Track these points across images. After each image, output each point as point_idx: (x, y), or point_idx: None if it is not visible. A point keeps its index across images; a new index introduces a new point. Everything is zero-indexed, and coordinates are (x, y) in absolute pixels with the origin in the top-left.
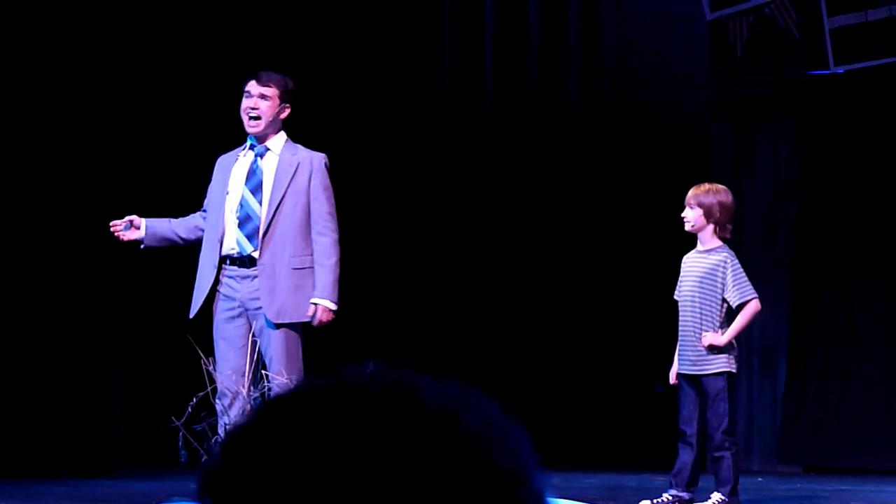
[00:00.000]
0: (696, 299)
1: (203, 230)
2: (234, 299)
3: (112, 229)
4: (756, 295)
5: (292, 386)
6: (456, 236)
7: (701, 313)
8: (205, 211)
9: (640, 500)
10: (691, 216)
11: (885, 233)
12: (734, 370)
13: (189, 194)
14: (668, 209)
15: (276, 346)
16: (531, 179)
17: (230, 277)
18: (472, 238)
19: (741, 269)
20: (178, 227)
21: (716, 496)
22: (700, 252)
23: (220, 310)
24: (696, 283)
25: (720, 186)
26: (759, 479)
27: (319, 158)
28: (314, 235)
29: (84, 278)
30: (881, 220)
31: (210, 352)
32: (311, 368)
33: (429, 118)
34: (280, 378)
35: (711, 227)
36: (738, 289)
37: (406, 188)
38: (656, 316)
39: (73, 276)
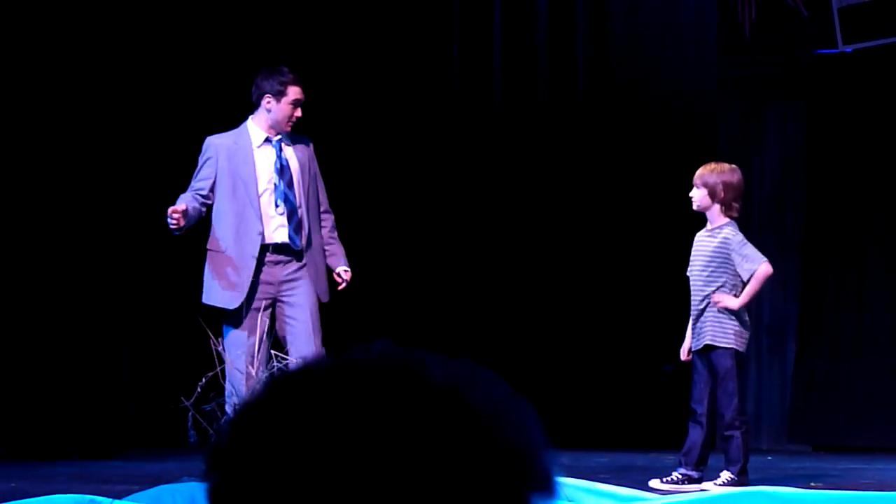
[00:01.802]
0: (704, 277)
1: (201, 212)
2: (271, 284)
3: (174, 221)
4: (764, 259)
5: (299, 364)
6: (467, 219)
7: (709, 290)
8: (201, 193)
9: (649, 479)
10: (697, 196)
11: (892, 210)
12: (742, 349)
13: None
14: (677, 189)
15: (314, 323)
16: (541, 162)
17: (271, 263)
18: (483, 221)
19: (745, 242)
20: (195, 212)
21: (725, 475)
22: (708, 231)
23: (258, 296)
24: (705, 262)
25: (726, 166)
26: (769, 457)
27: (309, 141)
28: (323, 214)
29: (93, 261)
30: (889, 199)
31: (220, 332)
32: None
33: (438, 105)
34: (314, 352)
35: (717, 206)
36: (746, 261)
37: (416, 172)
38: (665, 295)
39: (83, 259)
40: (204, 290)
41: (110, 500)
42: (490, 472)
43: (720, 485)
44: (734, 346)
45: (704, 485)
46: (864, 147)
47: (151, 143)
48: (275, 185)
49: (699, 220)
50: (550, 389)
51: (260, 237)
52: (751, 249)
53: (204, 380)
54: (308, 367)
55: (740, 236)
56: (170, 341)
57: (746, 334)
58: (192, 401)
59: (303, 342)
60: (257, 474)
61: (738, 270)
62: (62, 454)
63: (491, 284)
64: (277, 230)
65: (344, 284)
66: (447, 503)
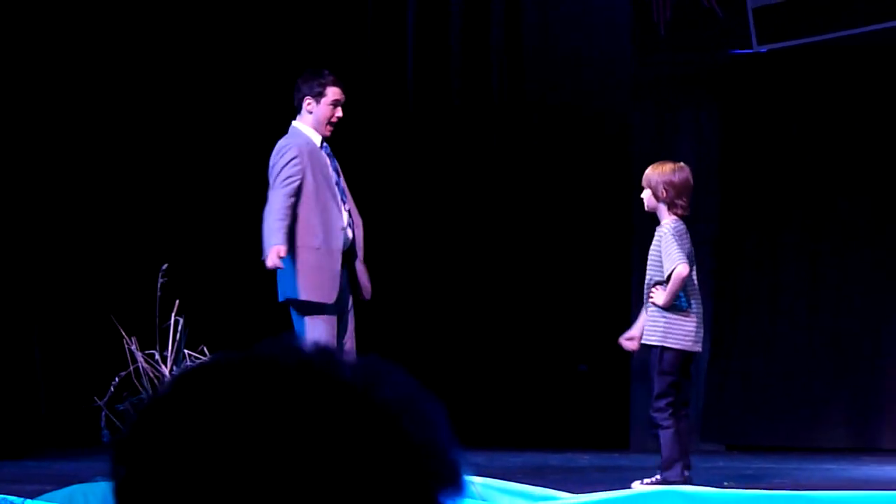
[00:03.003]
0: (647, 272)
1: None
2: (342, 286)
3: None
4: (681, 261)
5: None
6: (380, 217)
7: (653, 286)
8: (289, 195)
9: (563, 479)
10: (644, 196)
11: (805, 210)
12: (680, 346)
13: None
14: (591, 189)
15: (353, 323)
16: (453, 161)
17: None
18: (396, 218)
19: (672, 241)
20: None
21: (656, 477)
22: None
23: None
24: (648, 258)
25: (670, 165)
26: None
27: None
28: None
29: (5, 260)
30: (801, 197)
31: (132, 331)
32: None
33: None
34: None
35: (662, 205)
36: (668, 259)
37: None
38: (579, 295)
39: None
40: (298, 286)
41: (22, 499)
42: (397, 468)
43: (647, 484)
44: (661, 344)
45: (633, 484)
46: (777, 147)
47: (66, 143)
48: (338, 185)
49: (614, 219)
50: (465, 389)
51: (343, 233)
52: (675, 248)
53: (117, 379)
54: (215, 362)
55: (672, 234)
56: (83, 341)
57: (686, 331)
58: (105, 400)
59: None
60: (163, 468)
61: (663, 256)
62: None
63: (404, 285)
64: (350, 232)
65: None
66: (355, 499)
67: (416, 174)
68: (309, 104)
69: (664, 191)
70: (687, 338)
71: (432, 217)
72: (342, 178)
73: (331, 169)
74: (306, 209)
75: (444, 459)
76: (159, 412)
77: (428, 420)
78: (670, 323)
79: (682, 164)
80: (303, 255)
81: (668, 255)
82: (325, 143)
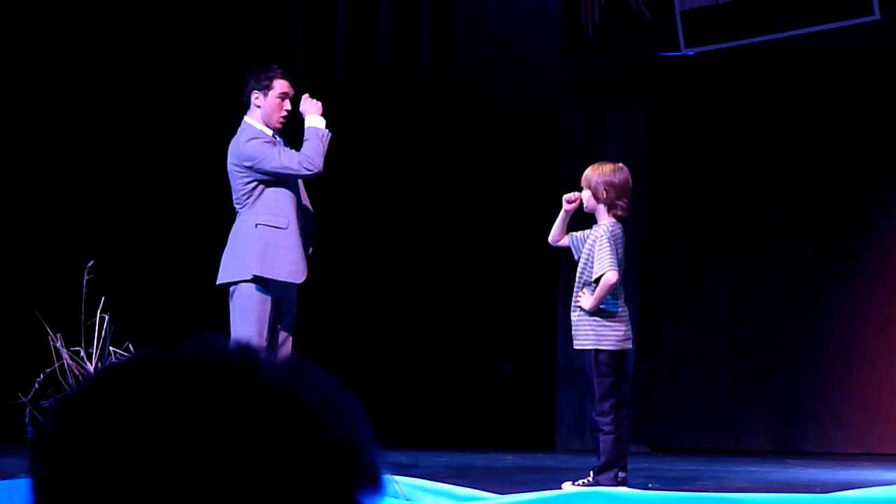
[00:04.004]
0: (578, 274)
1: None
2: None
3: None
4: (611, 267)
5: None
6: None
7: (583, 287)
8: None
9: (488, 479)
10: (584, 197)
11: (730, 213)
12: (612, 348)
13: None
14: (519, 190)
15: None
16: (381, 162)
17: None
18: (322, 218)
19: (607, 245)
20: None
21: (587, 479)
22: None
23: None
24: (581, 259)
25: (609, 165)
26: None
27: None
28: None
29: None
30: (726, 200)
31: (57, 328)
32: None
33: None
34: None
35: (601, 206)
36: (598, 262)
37: None
38: (506, 295)
39: None
40: (258, 262)
41: None
42: (316, 467)
43: (578, 485)
44: (595, 347)
45: (564, 484)
46: (704, 149)
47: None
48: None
49: (541, 219)
50: (390, 388)
51: (310, 222)
52: (607, 253)
53: (42, 376)
54: (135, 360)
55: (609, 237)
56: (7, 337)
57: (616, 331)
58: (29, 396)
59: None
60: (81, 465)
61: (593, 259)
62: None
63: (330, 284)
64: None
65: None
66: (274, 498)
67: (345, 175)
68: (257, 98)
69: (605, 192)
70: (618, 338)
71: (360, 216)
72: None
73: None
74: (278, 189)
75: (363, 458)
76: (78, 409)
77: (348, 419)
78: (601, 326)
79: (621, 164)
80: (270, 234)
81: (600, 258)
82: (277, 136)
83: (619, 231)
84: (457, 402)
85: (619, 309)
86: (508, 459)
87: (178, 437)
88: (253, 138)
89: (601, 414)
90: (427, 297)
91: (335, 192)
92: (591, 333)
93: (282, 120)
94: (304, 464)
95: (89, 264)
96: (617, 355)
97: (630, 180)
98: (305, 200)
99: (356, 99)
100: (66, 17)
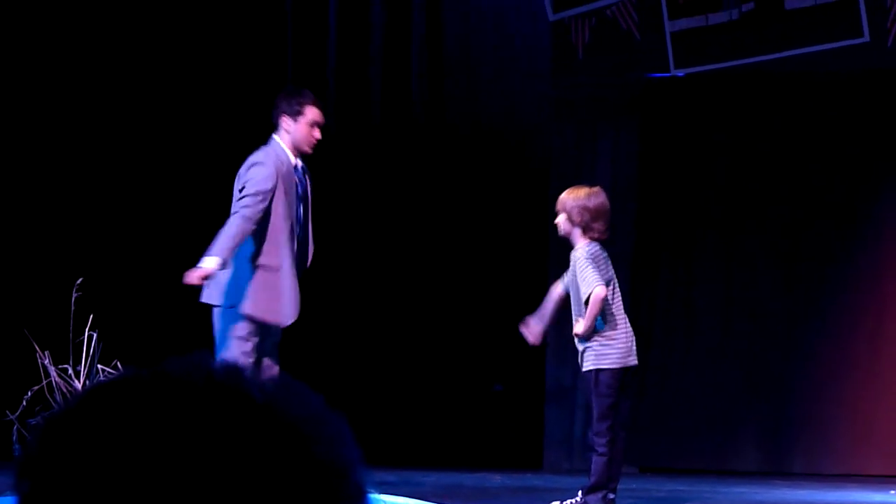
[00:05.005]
0: (573, 304)
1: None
2: None
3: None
4: (598, 282)
5: (114, 374)
6: None
7: (574, 310)
8: (261, 201)
9: (476, 499)
10: (559, 221)
11: (719, 233)
12: (612, 366)
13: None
14: (509, 209)
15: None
16: (372, 180)
17: None
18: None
19: (586, 264)
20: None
21: (576, 499)
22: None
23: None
24: (571, 291)
25: (584, 190)
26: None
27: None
28: None
29: None
30: (715, 219)
31: (46, 345)
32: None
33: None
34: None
35: (577, 230)
36: (584, 283)
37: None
38: (495, 315)
39: None
40: (249, 303)
41: None
42: (304, 486)
43: None
44: (593, 368)
45: None
46: (693, 169)
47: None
48: (305, 206)
49: (531, 239)
50: (379, 407)
51: (306, 259)
52: (590, 272)
53: (30, 393)
54: (123, 378)
55: (587, 257)
56: None
57: (616, 349)
58: (17, 414)
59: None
60: (67, 483)
61: (579, 280)
62: None
63: (319, 302)
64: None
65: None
66: None
67: (337, 193)
68: (286, 123)
69: (578, 215)
70: (619, 355)
71: (352, 234)
72: (310, 201)
73: (300, 189)
74: (274, 227)
75: (349, 478)
76: (65, 427)
77: (334, 438)
78: (601, 346)
79: (597, 188)
80: (265, 275)
81: (584, 279)
82: (299, 163)
83: (596, 249)
84: (445, 422)
85: (619, 326)
86: (497, 479)
87: (164, 455)
88: (256, 164)
89: (597, 434)
90: (416, 317)
91: (327, 213)
92: (591, 355)
93: (311, 146)
94: (291, 483)
95: (77, 282)
96: (620, 373)
97: (607, 203)
98: (309, 237)
99: (348, 121)
100: (38, 46)
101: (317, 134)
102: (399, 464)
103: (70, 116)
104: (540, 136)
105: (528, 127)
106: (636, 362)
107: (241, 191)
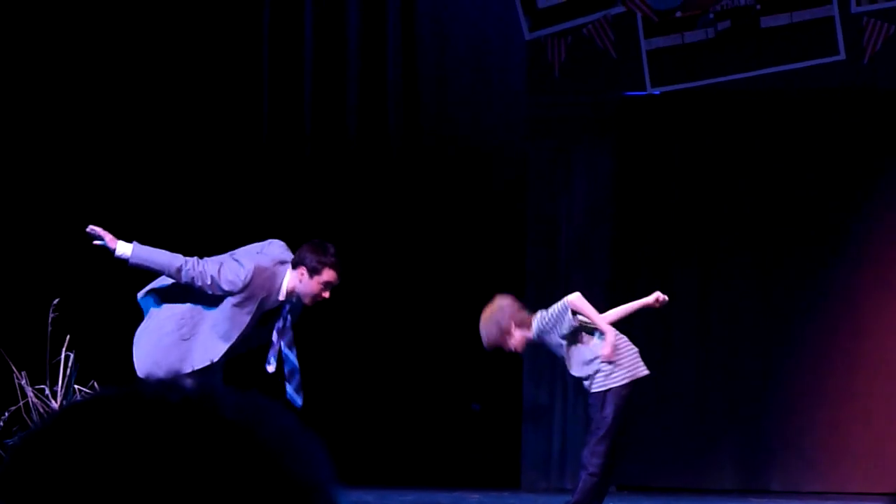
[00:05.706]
0: (566, 353)
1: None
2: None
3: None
4: (569, 295)
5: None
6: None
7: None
8: (206, 283)
9: None
10: (514, 345)
11: (696, 250)
12: (615, 384)
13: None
14: (485, 229)
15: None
16: (348, 200)
17: None
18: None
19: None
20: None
21: None
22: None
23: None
24: (555, 346)
25: (486, 314)
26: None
27: None
28: None
29: None
30: (692, 237)
31: (22, 366)
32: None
33: (247, 138)
34: None
35: (519, 331)
36: (554, 308)
37: (222, 206)
38: (472, 334)
39: None
40: (148, 356)
41: None
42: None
43: None
44: (601, 389)
45: None
46: (669, 187)
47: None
48: (272, 342)
49: (508, 259)
50: (357, 426)
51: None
52: (554, 308)
53: (7, 414)
54: (97, 397)
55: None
56: None
57: (623, 367)
58: None
59: None
60: (41, 499)
61: (557, 316)
62: None
63: (299, 321)
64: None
65: None
66: None
67: (312, 214)
68: (301, 273)
69: (507, 336)
70: (628, 368)
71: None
72: (286, 327)
73: (277, 320)
74: (212, 316)
75: (323, 497)
76: (39, 446)
77: (307, 457)
78: (608, 365)
79: (495, 302)
80: (168, 339)
81: (552, 310)
82: (293, 299)
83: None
84: (423, 441)
85: (619, 341)
86: (474, 498)
87: (137, 474)
88: (241, 264)
89: (593, 454)
90: (393, 336)
91: (304, 231)
92: (601, 377)
93: (314, 302)
94: (265, 501)
95: (54, 302)
96: (629, 389)
97: (501, 300)
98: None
99: (324, 138)
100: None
101: (326, 295)
102: (377, 483)
103: (44, 136)
104: (515, 154)
105: (503, 146)
106: (647, 371)
107: (218, 260)
